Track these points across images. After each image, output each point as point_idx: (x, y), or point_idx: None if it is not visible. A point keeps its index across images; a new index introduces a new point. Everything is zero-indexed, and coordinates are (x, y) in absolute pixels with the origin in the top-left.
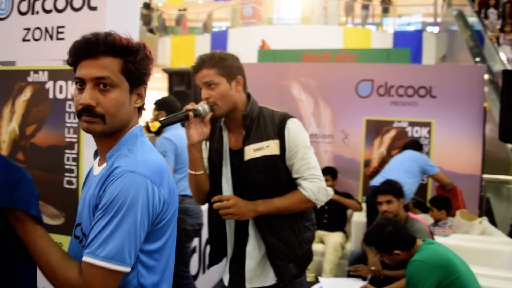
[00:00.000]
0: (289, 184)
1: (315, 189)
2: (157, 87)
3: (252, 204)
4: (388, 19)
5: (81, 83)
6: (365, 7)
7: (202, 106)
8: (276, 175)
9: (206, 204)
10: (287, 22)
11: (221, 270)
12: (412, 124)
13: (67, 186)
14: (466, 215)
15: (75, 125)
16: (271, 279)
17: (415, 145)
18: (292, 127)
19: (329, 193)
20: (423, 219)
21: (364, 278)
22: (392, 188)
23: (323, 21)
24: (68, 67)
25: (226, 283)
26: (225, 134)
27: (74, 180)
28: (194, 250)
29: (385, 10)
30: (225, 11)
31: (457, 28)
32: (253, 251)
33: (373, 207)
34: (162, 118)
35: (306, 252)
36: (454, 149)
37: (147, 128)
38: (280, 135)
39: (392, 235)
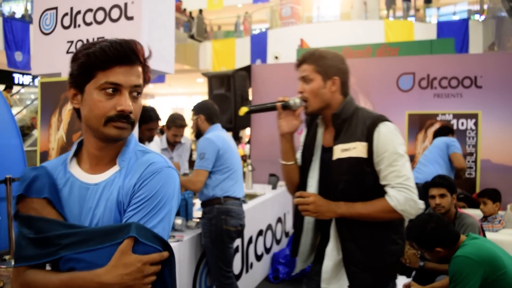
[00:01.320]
0: (377, 190)
1: (401, 199)
2: (200, 92)
3: (333, 205)
4: (431, 10)
5: (115, 88)
6: None
7: (294, 100)
8: (361, 178)
9: (248, 205)
10: (326, 19)
11: (265, 269)
12: (457, 116)
13: None
14: None
15: None
16: (346, 284)
17: (443, 130)
18: (384, 131)
19: (420, 206)
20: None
21: (408, 275)
22: (447, 181)
23: (364, 16)
24: None
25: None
26: (320, 131)
27: None
28: (236, 250)
29: (428, 1)
30: (263, 13)
31: (505, 14)
32: (332, 252)
33: None
34: (251, 105)
35: (389, 265)
36: (503, 141)
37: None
38: (368, 137)
39: (434, 232)
